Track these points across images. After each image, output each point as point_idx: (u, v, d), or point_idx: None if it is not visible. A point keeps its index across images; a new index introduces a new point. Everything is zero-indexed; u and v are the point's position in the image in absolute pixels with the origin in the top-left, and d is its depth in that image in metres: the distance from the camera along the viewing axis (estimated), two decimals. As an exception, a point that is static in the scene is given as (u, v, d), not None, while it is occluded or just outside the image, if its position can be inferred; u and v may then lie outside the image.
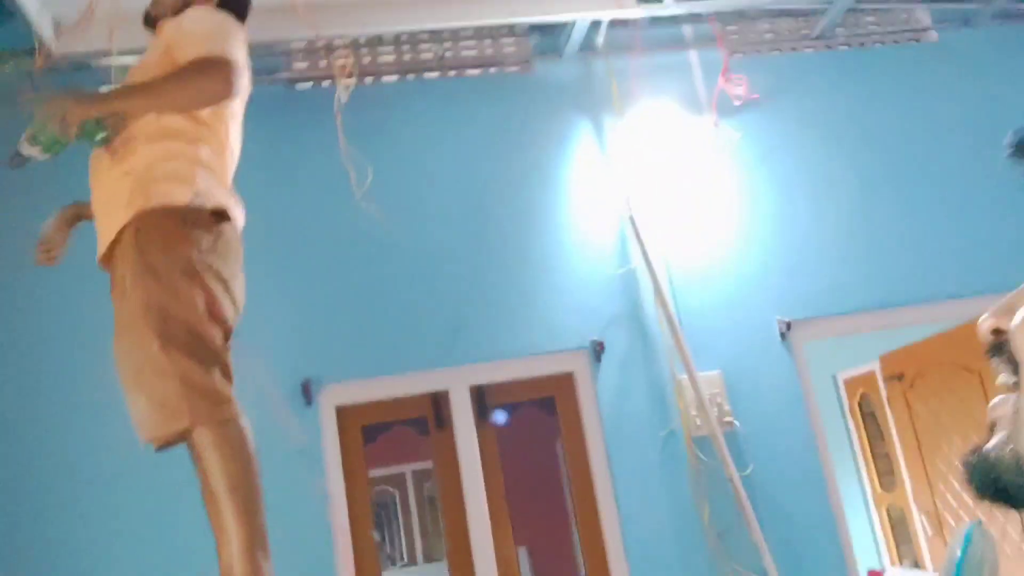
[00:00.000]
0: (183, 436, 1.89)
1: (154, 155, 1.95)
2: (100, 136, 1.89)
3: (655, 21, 3.52)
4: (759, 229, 3.43)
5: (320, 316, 3.13)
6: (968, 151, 3.52)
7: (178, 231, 1.91)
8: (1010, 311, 0.62)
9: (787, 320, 3.31)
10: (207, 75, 1.89)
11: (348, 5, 3.14)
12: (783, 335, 3.31)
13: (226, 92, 1.91)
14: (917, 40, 3.78)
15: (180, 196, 1.93)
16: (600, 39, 3.46)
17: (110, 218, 1.94)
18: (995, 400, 0.64)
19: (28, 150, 1.88)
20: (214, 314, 1.94)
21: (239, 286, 2.05)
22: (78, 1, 2.83)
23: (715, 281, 3.35)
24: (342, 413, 3.14)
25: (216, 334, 1.94)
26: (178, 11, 2.12)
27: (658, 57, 3.53)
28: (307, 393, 3.04)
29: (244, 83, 1.98)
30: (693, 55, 3.58)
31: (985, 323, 0.64)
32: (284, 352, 3.03)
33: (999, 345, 0.62)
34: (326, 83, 3.35)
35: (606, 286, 3.33)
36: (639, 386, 3.25)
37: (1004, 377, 0.63)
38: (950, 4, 3.78)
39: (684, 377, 3.17)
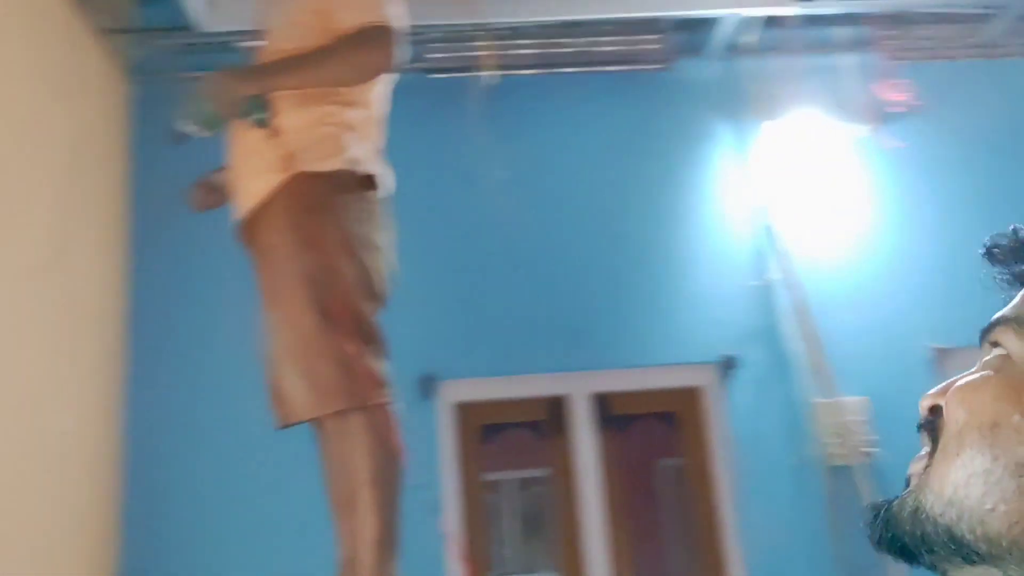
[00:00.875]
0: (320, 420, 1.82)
1: (304, 119, 1.88)
2: (260, 116, 1.83)
3: (807, 21, 3.33)
4: (913, 247, 3.19)
5: (444, 310, 3.05)
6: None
7: (331, 198, 1.85)
8: (947, 389, 0.63)
9: (939, 347, 3.07)
10: (370, 48, 1.82)
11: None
12: (934, 363, 3.07)
13: (389, 64, 1.85)
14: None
15: (332, 162, 1.86)
16: (747, 38, 3.29)
17: (254, 182, 1.88)
18: (914, 459, 0.65)
19: (188, 127, 1.86)
20: (369, 285, 1.87)
21: (390, 255, 1.97)
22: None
23: (860, 300, 3.13)
24: (462, 410, 3.07)
25: (372, 309, 1.87)
26: None
27: (808, 60, 3.34)
28: (427, 387, 2.97)
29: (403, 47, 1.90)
30: (846, 59, 3.37)
31: (925, 401, 0.65)
32: (406, 343, 2.95)
33: (931, 421, 0.63)
34: (462, 73, 3.29)
35: (740, 299, 3.15)
36: (772, 407, 3.06)
37: (925, 448, 0.64)
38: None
39: (822, 401, 2.96)
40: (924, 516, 0.62)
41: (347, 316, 1.81)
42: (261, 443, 2.39)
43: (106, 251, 2.92)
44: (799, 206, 3.19)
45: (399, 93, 3.19)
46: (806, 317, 3.02)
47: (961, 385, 0.62)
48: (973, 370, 0.62)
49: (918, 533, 0.63)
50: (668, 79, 3.36)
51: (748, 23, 3.24)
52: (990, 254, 0.67)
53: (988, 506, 0.59)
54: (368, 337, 1.84)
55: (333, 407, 1.76)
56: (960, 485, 0.60)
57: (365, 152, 1.94)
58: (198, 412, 2.91)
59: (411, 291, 3.02)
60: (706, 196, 3.25)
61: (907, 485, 0.64)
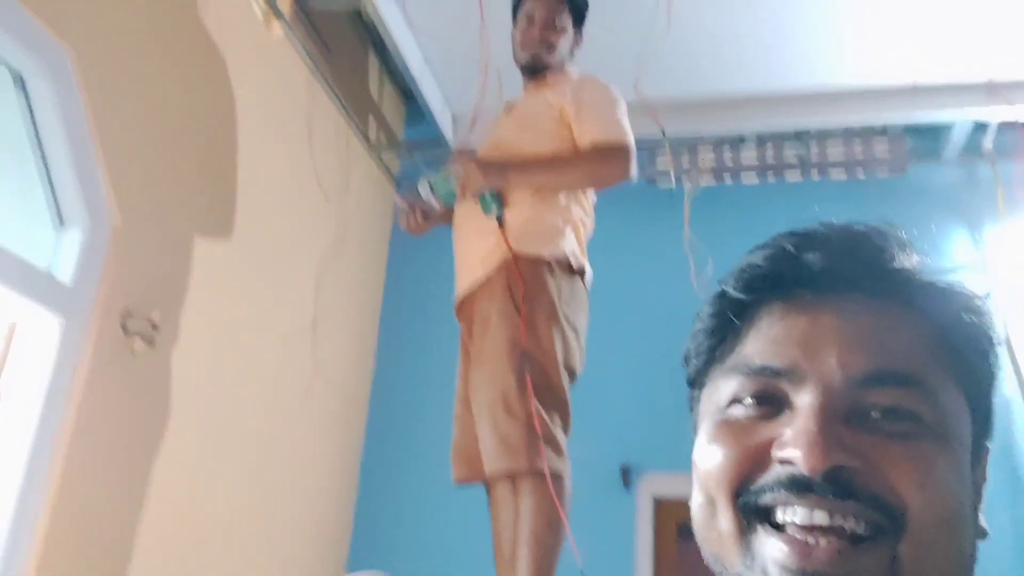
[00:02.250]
0: (500, 477, 2.00)
1: (531, 211, 2.12)
2: (496, 209, 2.08)
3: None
4: None
5: (647, 400, 3.13)
6: None
7: (544, 278, 2.06)
8: None
9: None
10: (610, 163, 2.07)
11: (712, 104, 3.22)
12: None
13: (624, 178, 2.08)
14: None
15: (550, 250, 2.09)
16: (987, 141, 3.14)
17: (480, 264, 2.12)
18: None
19: (426, 194, 2.17)
20: (568, 362, 2.06)
21: (584, 340, 2.15)
22: (472, 99, 3.25)
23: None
24: (660, 505, 3.09)
25: (566, 383, 2.05)
26: (564, 64, 2.31)
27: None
28: (626, 478, 3.05)
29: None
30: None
31: None
32: (607, 432, 3.08)
33: None
34: (687, 182, 3.44)
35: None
36: (1003, 536, 2.77)
37: None
38: None
39: (1064, 534, 2.64)
40: None
41: (543, 383, 2.00)
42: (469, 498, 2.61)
43: (358, 325, 3.37)
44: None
45: (627, 198, 3.44)
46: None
47: None
48: None
49: None
50: (899, 184, 3.27)
51: (983, 127, 3.10)
52: None
53: None
54: (560, 409, 2.02)
55: (514, 465, 1.92)
56: None
57: (577, 245, 2.16)
58: (423, 469, 3.20)
59: (615, 378, 3.17)
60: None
61: None
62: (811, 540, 0.55)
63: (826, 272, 0.62)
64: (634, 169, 2.05)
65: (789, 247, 0.63)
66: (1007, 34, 2.77)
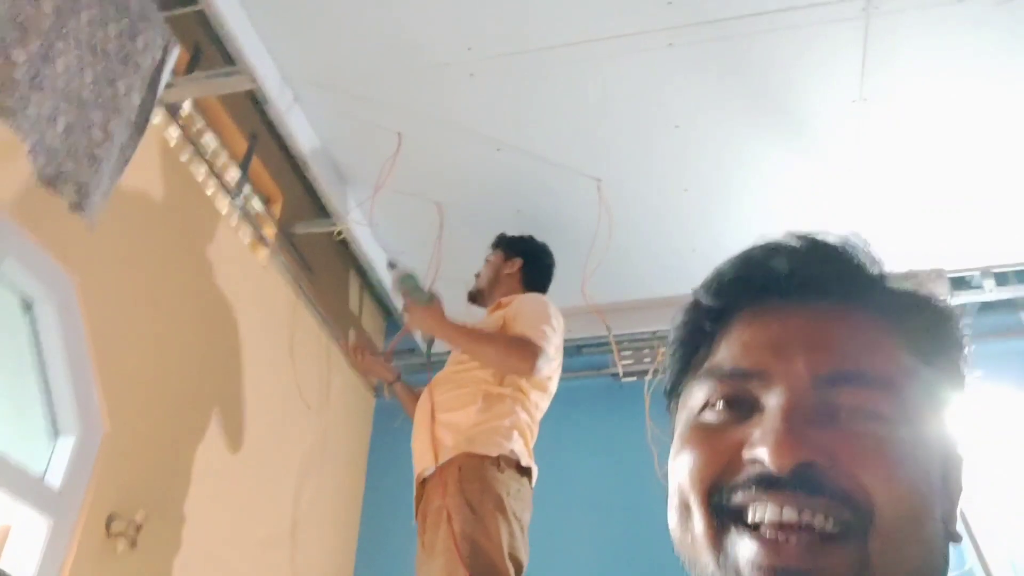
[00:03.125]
0: None
1: (480, 415, 2.37)
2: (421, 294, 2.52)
3: (987, 307, 3.39)
4: None
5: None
6: None
7: (493, 474, 2.25)
8: None
9: None
10: (519, 354, 2.34)
11: (662, 305, 3.49)
12: None
13: (527, 371, 2.35)
14: None
15: (498, 449, 2.30)
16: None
17: (430, 453, 2.35)
18: None
19: (396, 280, 2.56)
20: (514, 554, 2.20)
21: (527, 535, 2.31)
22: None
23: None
24: None
25: (511, 573, 2.18)
26: (492, 287, 2.67)
27: (994, 344, 3.35)
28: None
29: (549, 366, 2.40)
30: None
31: None
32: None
33: None
34: (650, 376, 3.65)
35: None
36: None
37: None
38: None
39: None
40: None
41: (495, 569, 2.13)
42: None
43: (337, 532, 3.45)
44: (991, 489, 3.04)
45: (594, 394, 3.63)
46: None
47: None
48: None
49: None
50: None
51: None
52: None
53: None
54: None
55: None
56: None
57: (524, 448, 2.38)
58: None
59: (577, 570, 3.21)
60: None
61: None
62: (781, 537, 0.55)
63: (793, 277, 0.64)
64: (539, 366, 2.33)
65: (757, 254, 0.66)
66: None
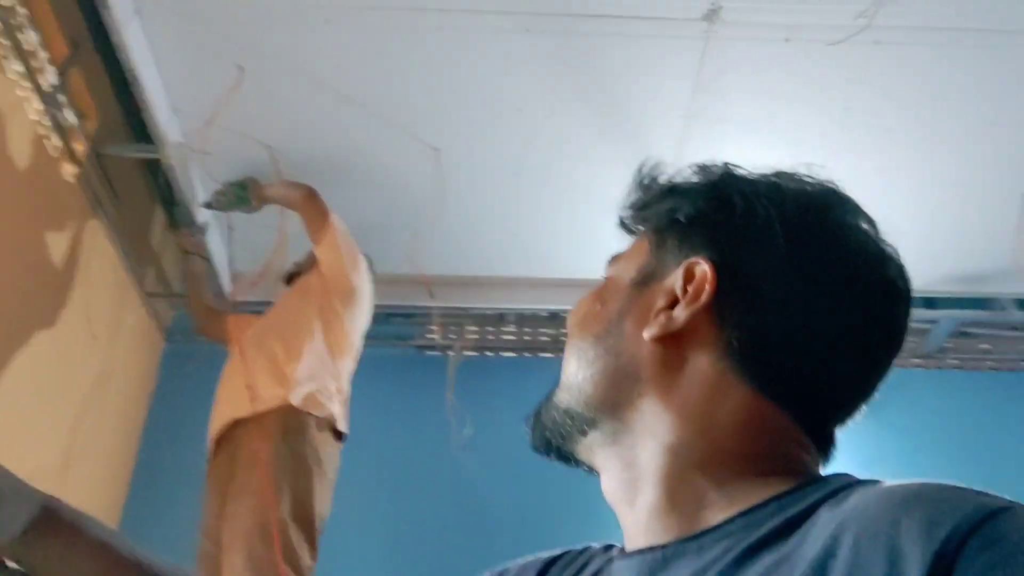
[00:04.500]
0: None
1: (309, 371, 2.40)
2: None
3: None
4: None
5: (395, 557, 3.23)
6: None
7: (314, 433, 2.29)
8: None
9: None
10: (321, 210, 2.64)
11: (478, 283, 3.56)
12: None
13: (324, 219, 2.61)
14: (1031, 369, 3.77)
15: (323, 410, 2.35)
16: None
17: (248, 398, 2.32)
18: None
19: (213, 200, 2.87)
20: (321, 509, 2.21)
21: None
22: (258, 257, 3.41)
23: None
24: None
25: (319, 526, 2.20)
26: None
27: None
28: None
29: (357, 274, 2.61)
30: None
31: None
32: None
33: None
34: (450, 352, 3.72)
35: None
36: None
37: None
38: (1069, 337, 3.78)
39: None
40: (553, 406, 0.75)
41: (303, 520, 2.14)
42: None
43: (111, 469, 3.27)
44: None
45: (398, 365, 3.65)
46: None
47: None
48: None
49: (550, 423, 0.75)
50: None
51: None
52: (621, 224, 0.83)
53: (581, 376, 0.72)
54: (311, 543, 2.15)
55: None
56: (569, 370, 0.74)
57: (342, 411, 2.39)
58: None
59: (364, 536, 3.24)
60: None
61: None
62: None
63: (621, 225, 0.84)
64: (333, 225, 2.61)
65: None
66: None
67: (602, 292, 0.76)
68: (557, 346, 3.79)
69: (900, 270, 0.69)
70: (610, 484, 0.71)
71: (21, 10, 2.55)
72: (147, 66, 2.63)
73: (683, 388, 0.67)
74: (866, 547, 0.46)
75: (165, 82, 2.71)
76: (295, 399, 2.32)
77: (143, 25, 2.56)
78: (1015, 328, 3.77)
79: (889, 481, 0.54)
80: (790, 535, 0.54)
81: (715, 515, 0.61)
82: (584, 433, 0.71)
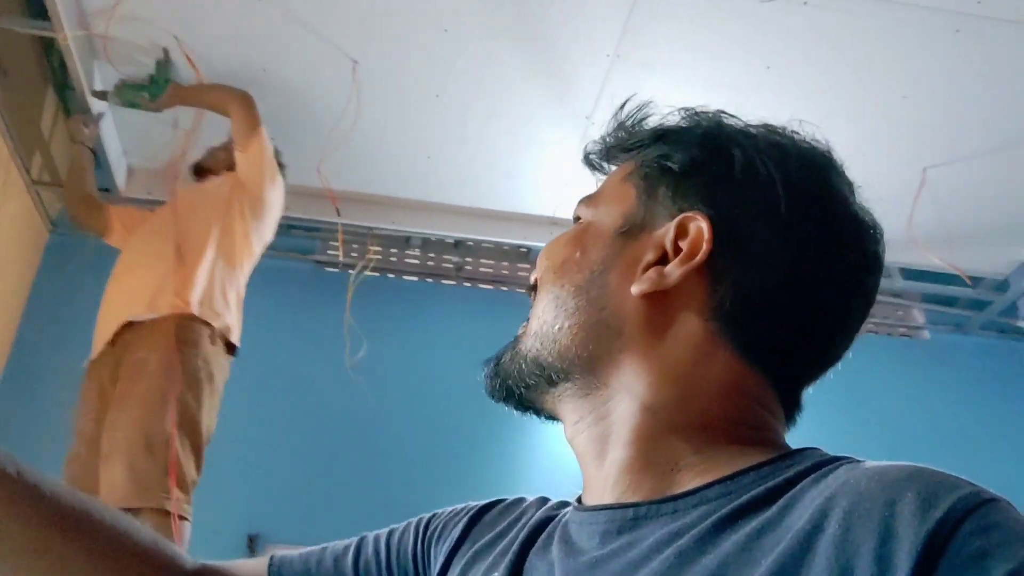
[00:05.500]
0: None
1: (207, 278, 2.33)
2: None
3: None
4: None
5: (281, 472, 3.21)
6: (953, 450, 3.57)
7: (206, 342, 2.24)
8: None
9: None
10: (247, 108, 2.54)
11: (385, 204, 3.50)
12: None
13: (256, 127, 2.54)
14: (910, 336, 3.97)
15: (220, 320, 2.29)
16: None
17: (144, 301, 2.25)
18: None
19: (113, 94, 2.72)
20: (208, 422, 2.17)
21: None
22: (153, 153, 3.25)
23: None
24: (283, 576, 3.13)
25: (204, 439, 2.15)
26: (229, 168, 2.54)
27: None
28: (252, 546, 3.06)
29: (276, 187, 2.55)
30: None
31: (533, 275, 0.78)
32: (236, 500, 3.09)
33: (533, 286, 0.77)
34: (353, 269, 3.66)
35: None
36: None
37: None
38: (944, 308, 4.00)
39: None
40: (519, 355, 0.71)
41: (191, 431, 2.09)
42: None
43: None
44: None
45: (297, 278, 3.58)
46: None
47: (545, 245, 0.76)
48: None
49: (514, 372, 0.71)
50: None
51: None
52: (587, 159, 0.79)
53: (557, 326, 0.69)
54: (196, 455, 2.11)
55: (142, 503, 1.97)
56: (543, 318, 0.70)
57: (236, 323, 2.34)
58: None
59: (253, 450, 3.21)
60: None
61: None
62: None
63: (586, 161, 0.81)
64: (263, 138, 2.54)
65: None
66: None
67: (581, 237, 0.72)
68: (461, 274, 3.78)
69: (881, 239, 0.69)
70: (577, 437, 0.69)
71: None
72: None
73: (667, 347, 0.65)
74: (856, 524, 0.47)
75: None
76: (192, 307, 2.24)
77: None
78: (897, 296, 3.96)
79: (875, 461, 0.54)
80: (770, 505, 0.54)
81: (691, 479, 0.61)
82: (553, 384, 0.69)
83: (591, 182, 0.81)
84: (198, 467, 2.16)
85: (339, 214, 2.97)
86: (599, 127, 0.73)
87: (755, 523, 0.53)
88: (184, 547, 2.02)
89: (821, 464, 0.56)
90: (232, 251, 2.47)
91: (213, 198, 2.54)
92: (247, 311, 2.58)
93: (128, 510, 1.96)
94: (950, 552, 0.44)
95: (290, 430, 3.31)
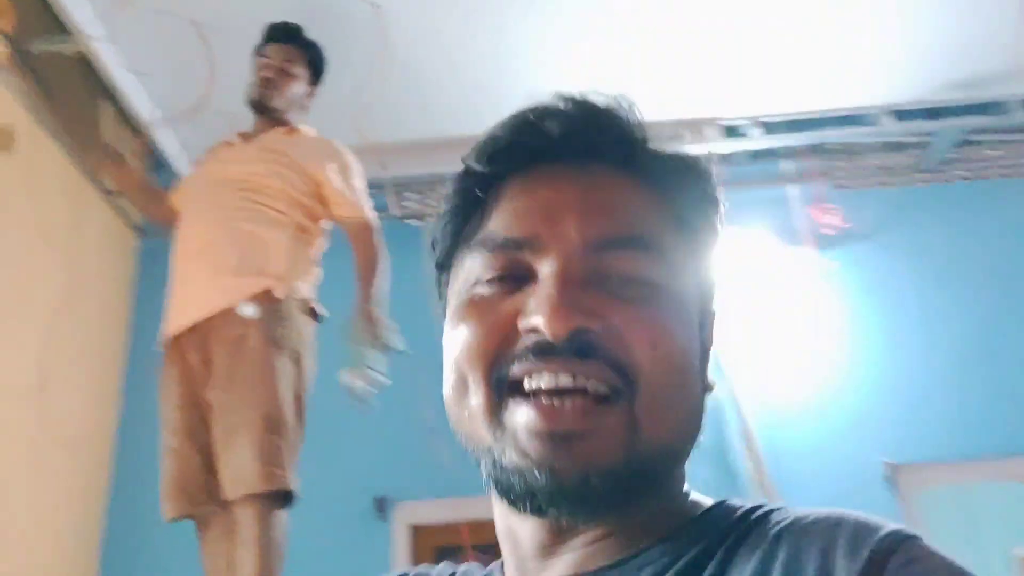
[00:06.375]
0: (250, 500, 1.97)
1: (291, 253, 2.24)
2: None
3: (757, 155, 3.54)
4: (864, 365, 3.23)
5: (401, 432, 3.19)
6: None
7: (296, 311, 2.19)
8: None
9: (892, 463, 3.04)
10: (381, 250, 2.35)
11: (432, 147, 3.33)
12: (889, 479, 3.03)
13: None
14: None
15: (300, 291, 2.24)
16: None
17: (223, 286, 2.15)
18: None
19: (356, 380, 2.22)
20: (307, 390, 2.18)
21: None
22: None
23: (812, 420, 3.16)
24: (416, 532, 3.16)
25: (305, 401, 2.16)
26: (288, 107, 2.45)
27: (755, 191, 3.52)
28: (380, 508, 3.09)
29: None
30: (790, 188, 3.53)
31: None
32: (361, 465, 3.11)
33: None
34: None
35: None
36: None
37: None
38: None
39: (771, 518, 2.95)
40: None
41: (298, 409, 2.10)
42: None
43: (95, 381, 3.23)
44: (745, 329, 3.28)
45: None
46: (750, 437, 3.06)
47: None
48: None
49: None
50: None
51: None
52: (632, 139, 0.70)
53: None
54: (301, 432, 2.12)
55: (278, 486, 1.96)
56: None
57: (314, 292, 2.32)
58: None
59: (375, 415, 3.20)
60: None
61: None
62: (557, 403, 0.57)
63: (565, 141, 0.64)
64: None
65: (529, 118, 0.64)
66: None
67: (679, 314, 0.63)
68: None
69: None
70: (538, 534, 0.64)
71: None
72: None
73: None
74: (801, 562, 0.52)
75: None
76: (279, 285, 2.17)
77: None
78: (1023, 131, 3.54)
79: (797, 509, 0.58)
80: (710, 560, 0.57)
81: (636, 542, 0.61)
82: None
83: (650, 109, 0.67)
84: (303, 433, 2.15)
85: (384, 166, 2.86)
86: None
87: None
88: (287, 522, 2.02)
89: (744, 515, 0.60)
90: (306, 224, 2.38)
91: (296, 173, 2.34)
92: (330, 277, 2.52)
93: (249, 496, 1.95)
94: None
95: (403, 387, 3.27)
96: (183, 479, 2.08)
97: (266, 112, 2.42)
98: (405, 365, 3.28)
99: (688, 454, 0.63)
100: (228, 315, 2.12)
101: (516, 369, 0.59)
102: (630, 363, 0.57)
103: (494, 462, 0.59)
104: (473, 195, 0.65)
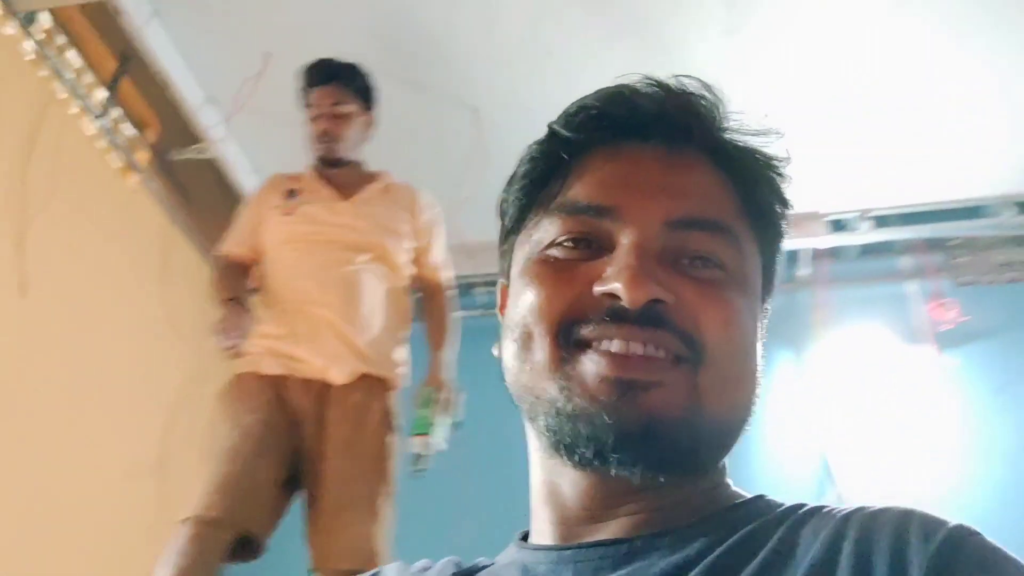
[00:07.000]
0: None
1: (394, 338, 2.26)
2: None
3: (868, 250, 3.41)
4: (988, 468, 2.98)
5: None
6: None
7: (394, 404, 2.19)
8: None
9: None
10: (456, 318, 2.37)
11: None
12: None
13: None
14: None
15: (402, 379, 2.26)
16: (802, 271, 3.40)
17: (360, 355, 2.15)
18: None
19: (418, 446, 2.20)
20: None
21: None
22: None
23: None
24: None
25: None
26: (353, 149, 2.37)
27: (872, 287, 3.38)
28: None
29: None
30: (908, 285, 3.37)
31: None
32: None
33: None
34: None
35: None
36: None
37: None
38: None
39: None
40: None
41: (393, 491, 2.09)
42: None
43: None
44: (858, 431, 3.10)
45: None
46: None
47: None
48: None
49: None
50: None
51: (798, 255, 3.38)
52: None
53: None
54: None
55: (365, 565, 1.86)
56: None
57: None
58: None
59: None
60: (764, 424, 3.21)
61: None
62: (628, 353, 0.58)
63: (656, 120, 0.65)
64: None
65: (624, 92, 0.66)
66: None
67: (747, 300, 0.65)
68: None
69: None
70: (587, 494, 0.64)
71: (60, 37, 2.63)
72: (176, 64, 2.66)
73: None
74: (870, 549, 0.52)
75: (196, 76, 2.73)
76: (404, 375, 2.23)
77: (165, 27, 2.59)
78: None
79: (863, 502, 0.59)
80: (767, 540, 0.56)
81: (684, 517, 0.62)
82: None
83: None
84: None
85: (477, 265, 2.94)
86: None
87: (764, 555, 0.55)
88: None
89: (794, 507, 0.62)
90: (401, 314, 2.35)
91: (408, 238, 2.32)
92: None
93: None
94: (955, 570, 0.50)
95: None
96: (243, 485, 1.97)
97: (338, 164, 2.33)
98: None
99: (736, 440, 0.64)
100: (354, 386, 2.12)
101: (587, 331, 0.60)
102: (699, 338, 0.59)
103: (557, 411, 0.59)
104: (556, 159, 0.67)
